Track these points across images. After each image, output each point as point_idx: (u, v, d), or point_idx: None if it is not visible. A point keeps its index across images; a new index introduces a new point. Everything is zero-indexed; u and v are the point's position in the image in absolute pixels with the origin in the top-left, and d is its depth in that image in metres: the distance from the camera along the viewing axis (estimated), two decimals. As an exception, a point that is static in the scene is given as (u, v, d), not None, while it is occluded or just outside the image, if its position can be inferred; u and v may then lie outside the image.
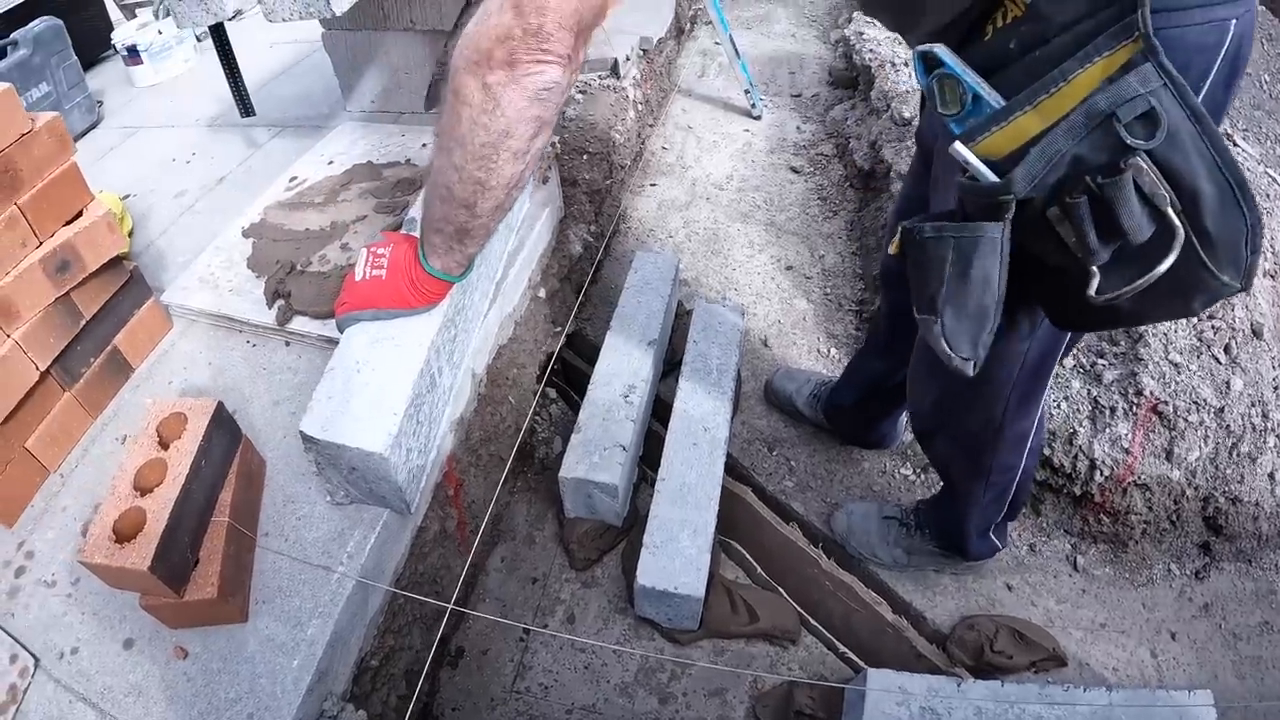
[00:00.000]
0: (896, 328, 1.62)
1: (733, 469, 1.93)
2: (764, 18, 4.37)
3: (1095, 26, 0.78)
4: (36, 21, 2.72)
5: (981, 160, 0.84)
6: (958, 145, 0.85)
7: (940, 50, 0.87)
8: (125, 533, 1.12)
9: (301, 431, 1.23)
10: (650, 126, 3.13)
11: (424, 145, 2.04)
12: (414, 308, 1.31)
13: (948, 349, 0.94)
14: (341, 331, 1.36)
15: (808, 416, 2.02)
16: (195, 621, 1.20)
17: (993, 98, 0.84)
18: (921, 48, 0.89)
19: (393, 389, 1.27)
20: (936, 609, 1.74)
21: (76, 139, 2.78)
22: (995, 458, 1.40)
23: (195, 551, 1.18)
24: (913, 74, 0.89)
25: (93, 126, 2.90)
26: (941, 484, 1.65)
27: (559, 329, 1.95)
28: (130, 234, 2.11)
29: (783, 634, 1.66)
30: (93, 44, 3.35)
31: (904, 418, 1.95)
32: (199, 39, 3.28)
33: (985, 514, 1.55)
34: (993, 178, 0.83)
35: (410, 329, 1.34)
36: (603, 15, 0.93)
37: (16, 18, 2.77)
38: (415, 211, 1.54)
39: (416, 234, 1.24)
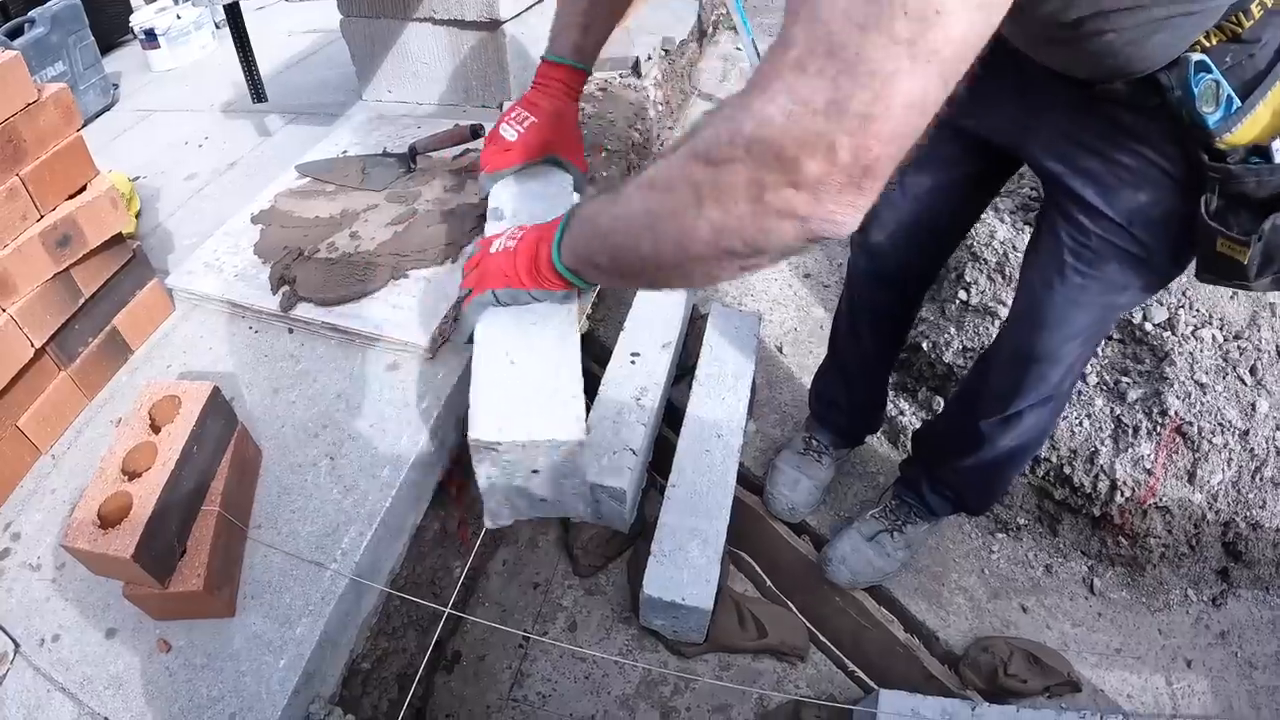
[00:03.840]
0: (864, 321, 1.66)
1: (744, 478, 1.89)
2: (786, 24, 4.32)
3: None
4: (55, 1, 2.72)
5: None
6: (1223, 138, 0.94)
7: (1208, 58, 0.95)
8: (110, 518, 1.08)
9: (472, 440, 1.08)
10: (670, 129, 3.11)
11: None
12: (529, 289, 1.14)
13: None
14: (466, 337, 1.23)
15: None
16: (180, 614, 1.16)
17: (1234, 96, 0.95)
18: (1198, 57, 0.93)
19: (563, 373, 1.14)
20: (949, 629, 1.69)
21: (91, 120, 2.78)
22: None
23: (182, 541, 1.14)
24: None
25: (108, 108, 2.90)
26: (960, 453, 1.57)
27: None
28: (138, 215, 2.10)
29: (791, 650, 1.61)
30: (112, 28, 3.35)
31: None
32: (217, 25, 3.27)
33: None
34: None
35: (551, 313, 1.21)
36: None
37: (37, -3, 2.76)
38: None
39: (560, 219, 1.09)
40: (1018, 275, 1.40)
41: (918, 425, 2.01)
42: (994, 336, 1.70)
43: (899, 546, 1.71)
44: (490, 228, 1.38)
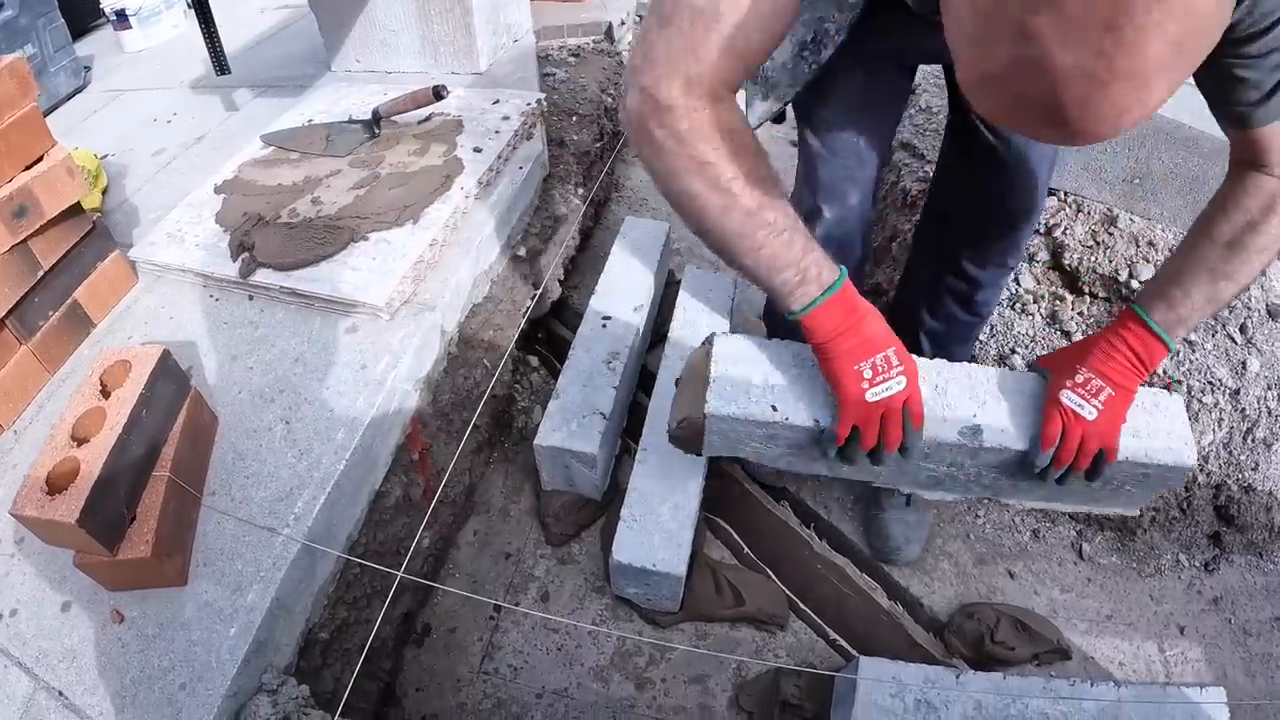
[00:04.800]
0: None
1: (721, 445, 1.84)
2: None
3: None
4: (23, -17, 2.67)
5: None
6: None
7: None
8: (57, 483, 1.06)
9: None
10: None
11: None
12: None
13: None
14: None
15: None
16: (132, 583, 1.13)
17: None
18: None
19: None
20: (934, 596, 1.66)
21: (63, 102, 2.74)
22: None
23: (132, 507, 1.11)
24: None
25: (80, 90, 2.86)
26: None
27: (539, 290, 1.87)
28: (104, 192, 2.06)
29: (770, 618, 1.58)
30: (85, 11, 3.32)
31: None
32: (189, 4, 3.22)
33: None
34: None
35: None
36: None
37: (4, -22, 2.72)
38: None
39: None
40: None
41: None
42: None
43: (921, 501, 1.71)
44: None
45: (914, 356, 1.06)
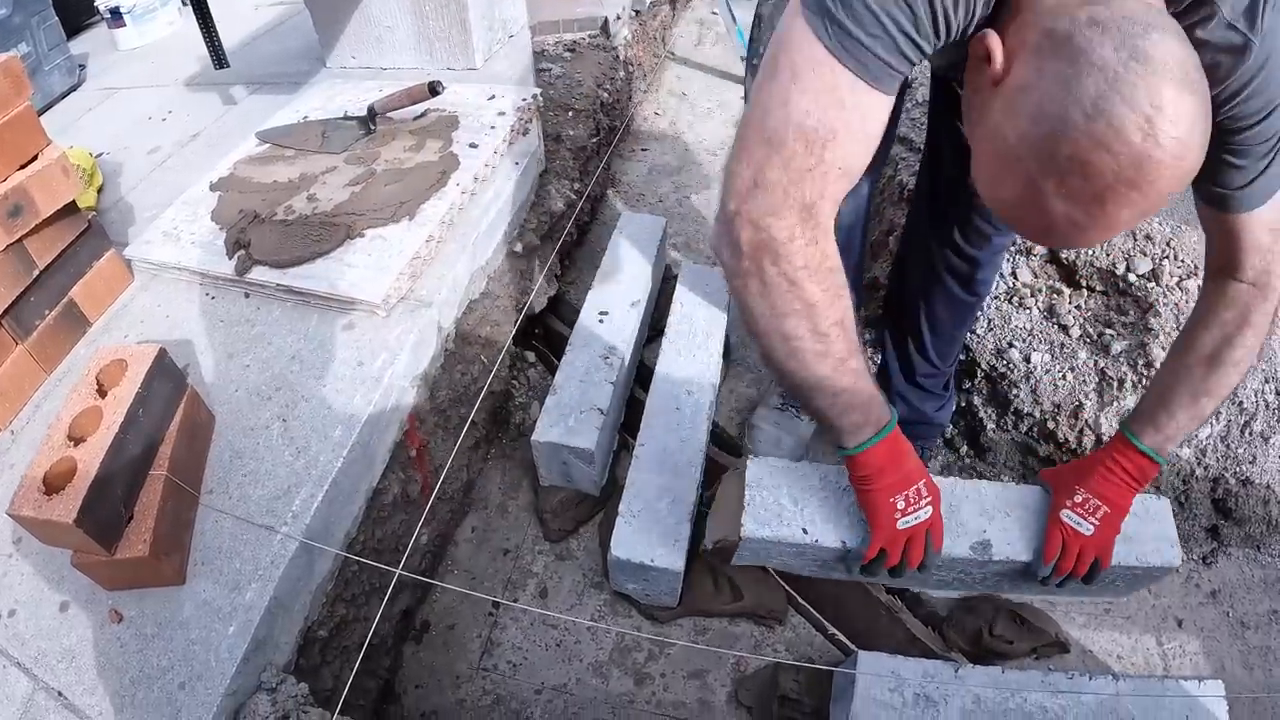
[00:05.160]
0: None
1: (719, 438, 1.85)
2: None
3: None
4: (17, -18, 2.66)
5: None
6: None
7: None
8: (55, 484, 1.05)
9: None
10: (643, 92, 3.07)
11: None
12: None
13: None
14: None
15: None
16: (130, 582, 1.13)
17: None
18: None
19: None
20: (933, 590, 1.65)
21: (57, 101, 2.73)
22: None
23: (129, 507, 1.11)
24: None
25: (74, 88, 2.84)
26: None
27: (536, 286, 1.87)
28: (100, 190, 2.06)
29: (768, 613, 1.58)
30: (80, 9, 3.30)
31: None
32: (183, 1, 3.22)
33: None
34: None
35: None
36: None
37: (-3, -23, 2.70)
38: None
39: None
40: None
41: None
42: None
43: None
44: None
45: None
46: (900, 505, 1.14)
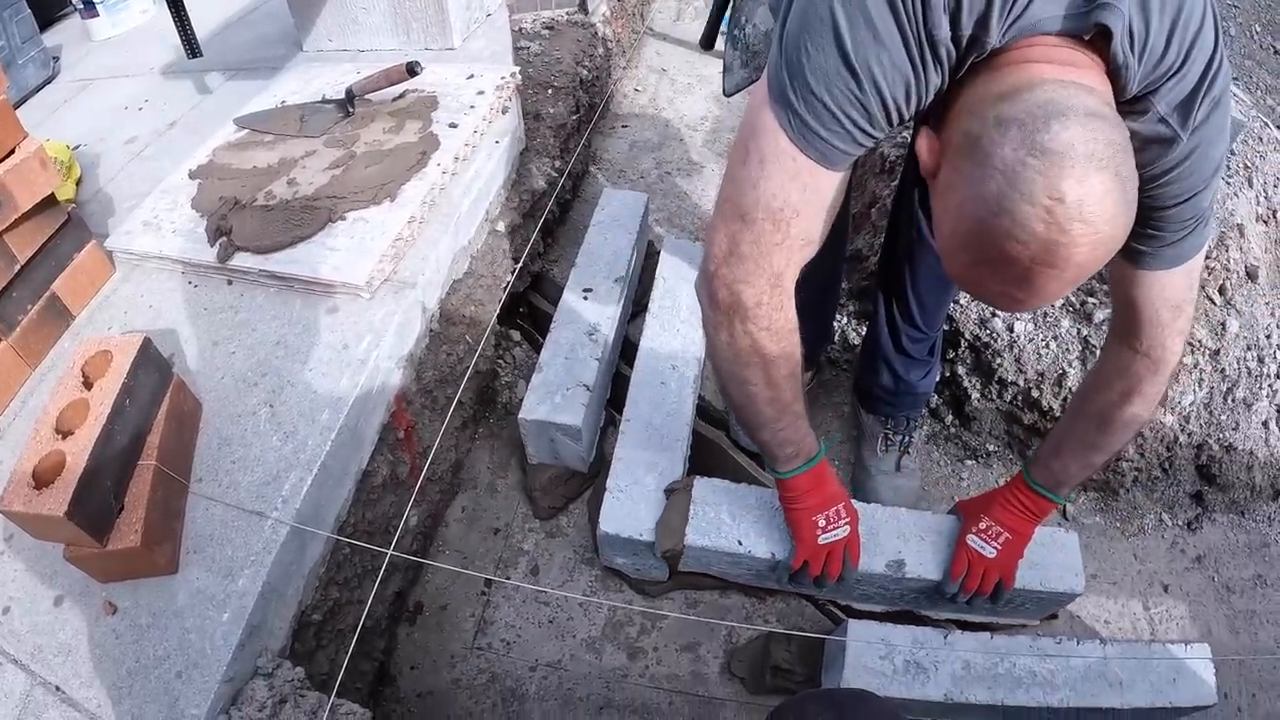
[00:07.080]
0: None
1: (705, 412, 1.86)
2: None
3: None
4: (-15, -26, 2.62)
5: None
6: None
7: None
8: (44, 477, 1.05)
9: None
10: (622, 68, 3.05)
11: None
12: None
13: None
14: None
15: None
16: (123, 574, 1.13)
17: None
18: None
19: None
20: (920, 558, 1.67)
21: (32, 94, 2.69)
22: None
23: (119, 497, 1.11)
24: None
25: (49, 81, 2.80)
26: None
27: (519, 264, 1.87)
28: (78, 182, 2.03)
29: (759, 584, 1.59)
30: (51, 1, 3.25)
31: None
32: (157, -12, 3.17)
33: None
34: None
35: None
36: None
37: (-35, -29, 2.66)
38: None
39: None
40: None
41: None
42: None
43: (913, 459, 1.79)
44: None
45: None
46: (821, 523, 1.31)
